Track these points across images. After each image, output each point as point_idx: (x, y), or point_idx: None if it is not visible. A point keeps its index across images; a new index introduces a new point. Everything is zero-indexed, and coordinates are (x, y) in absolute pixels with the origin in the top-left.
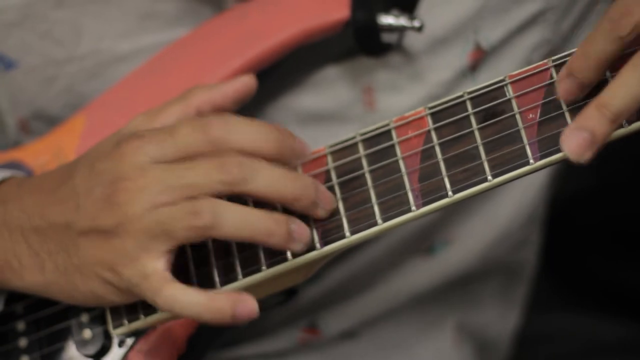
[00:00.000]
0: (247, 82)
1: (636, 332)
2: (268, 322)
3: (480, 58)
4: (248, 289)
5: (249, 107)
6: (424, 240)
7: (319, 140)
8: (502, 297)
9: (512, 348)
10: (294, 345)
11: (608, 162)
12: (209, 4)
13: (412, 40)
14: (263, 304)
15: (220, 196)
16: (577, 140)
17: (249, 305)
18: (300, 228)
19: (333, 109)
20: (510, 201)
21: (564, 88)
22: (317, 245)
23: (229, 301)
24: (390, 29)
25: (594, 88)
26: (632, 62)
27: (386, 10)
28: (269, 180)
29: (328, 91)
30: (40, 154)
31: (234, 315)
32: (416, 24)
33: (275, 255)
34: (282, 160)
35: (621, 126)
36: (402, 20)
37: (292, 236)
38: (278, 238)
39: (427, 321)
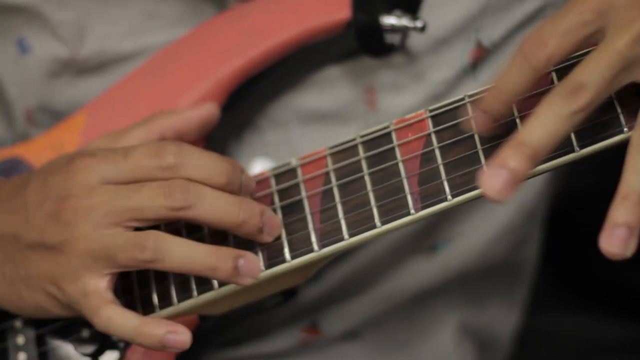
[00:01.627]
0: (210, 110)
1: (636, 332)
2: (268, 322)
3: (481, 56)
4: (246, 291)
5: (253, 107)
6: (427, 238)
7: (321, 140)
8: (503, 296)
9: (513, 346)
10: (294, 345)
11: (608, 162)
12: (212, 4)
13: (413, 41)
14: (262, 305)
15: (167, 220)
16: (497, 179)
17: (181, 337)
18: (249, 263)
19: (335, 109)
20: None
21: (477, 122)
22: (315, 247)
23: (161, 329)
24: (393, 29)
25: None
26: (547, 99)
27: (388, 11)
28: (213, 206)
29: (330, 91)
30: (41, 151)
31: (162, 343)
32: (419, 24)
33: (273, 257)
34: (229, 192)
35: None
36: (405, 21)
37: (238, 271)
38: (223, 273)
39: (429, 320)
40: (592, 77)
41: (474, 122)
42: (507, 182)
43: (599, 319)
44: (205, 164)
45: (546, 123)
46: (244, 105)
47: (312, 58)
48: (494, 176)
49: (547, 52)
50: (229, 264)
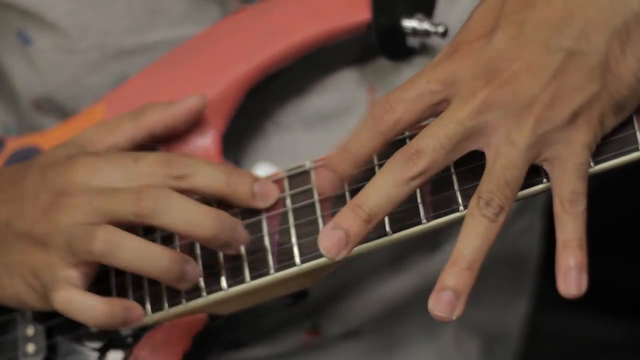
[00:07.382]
0: (197, 103)
1: (636, 332)
2: (270, 324)
3: None
4: (256, 291)
5: (258, 109)
6: (432, 237)
7: (323, 146)
8: (506, 289)
9: (524, 338)
10: (298, 347)
11: None
12: (215, 2)
13: (434, 42)
14: (272, 306)
15: (137, 225)
16: (331, 239)
17: (137, 312)
18: (193, 270)
19: (338, 110)
20: None
21: (320, 180)
22: None
23: (121, 307)
24: (414, 33)
25: None
26: (386, 165)
27: (410, 14)
28: (181, 217)
29: (336, 92)
30: (58, 141)
31: (125, 319)
32: (440, 29)
33: (284, 259)
34: (231, 201)
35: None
36: (426, 25)
37: (184, 277)
38: (171, 276)
39: (429, 317)
40: (430, 143)
41: (318, 180)
42: (340, 242)
43: (599, 319)
44: (212, 175)
45: (382, 188)
46: (253, 105)
47: (322, 61)
48: (329, 236)
49: (395, 117)
50: (179, 267)
